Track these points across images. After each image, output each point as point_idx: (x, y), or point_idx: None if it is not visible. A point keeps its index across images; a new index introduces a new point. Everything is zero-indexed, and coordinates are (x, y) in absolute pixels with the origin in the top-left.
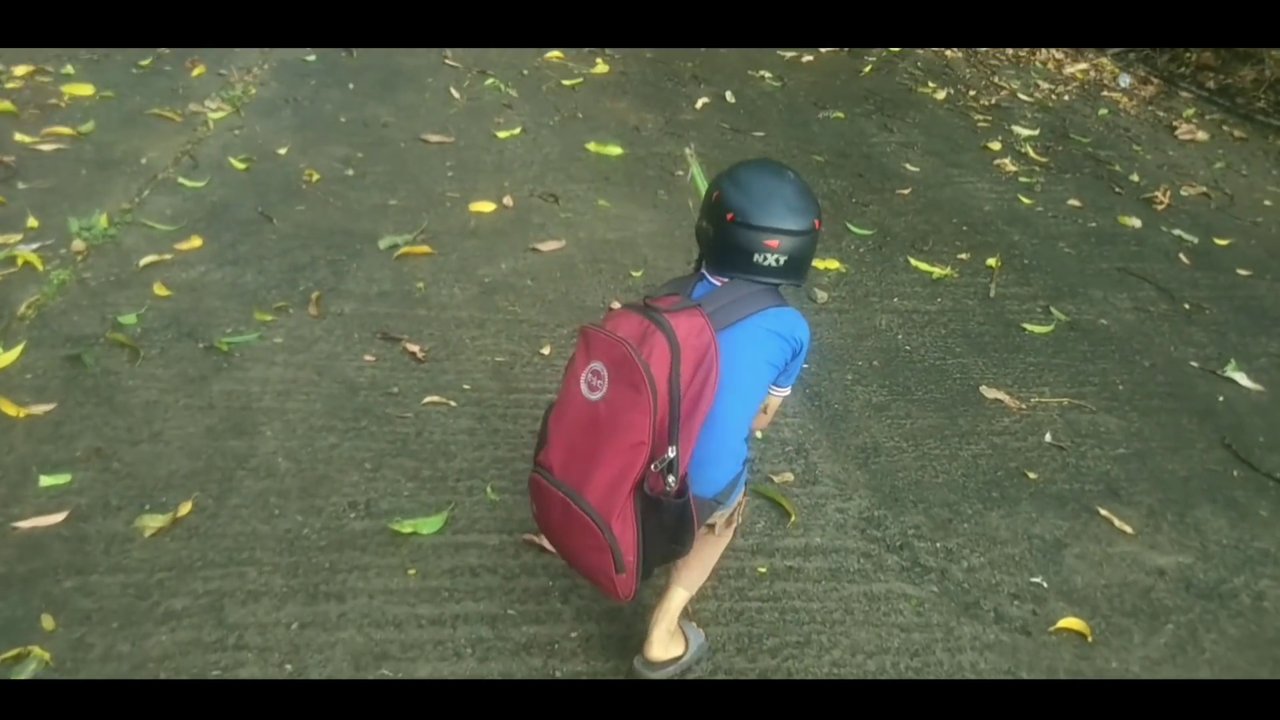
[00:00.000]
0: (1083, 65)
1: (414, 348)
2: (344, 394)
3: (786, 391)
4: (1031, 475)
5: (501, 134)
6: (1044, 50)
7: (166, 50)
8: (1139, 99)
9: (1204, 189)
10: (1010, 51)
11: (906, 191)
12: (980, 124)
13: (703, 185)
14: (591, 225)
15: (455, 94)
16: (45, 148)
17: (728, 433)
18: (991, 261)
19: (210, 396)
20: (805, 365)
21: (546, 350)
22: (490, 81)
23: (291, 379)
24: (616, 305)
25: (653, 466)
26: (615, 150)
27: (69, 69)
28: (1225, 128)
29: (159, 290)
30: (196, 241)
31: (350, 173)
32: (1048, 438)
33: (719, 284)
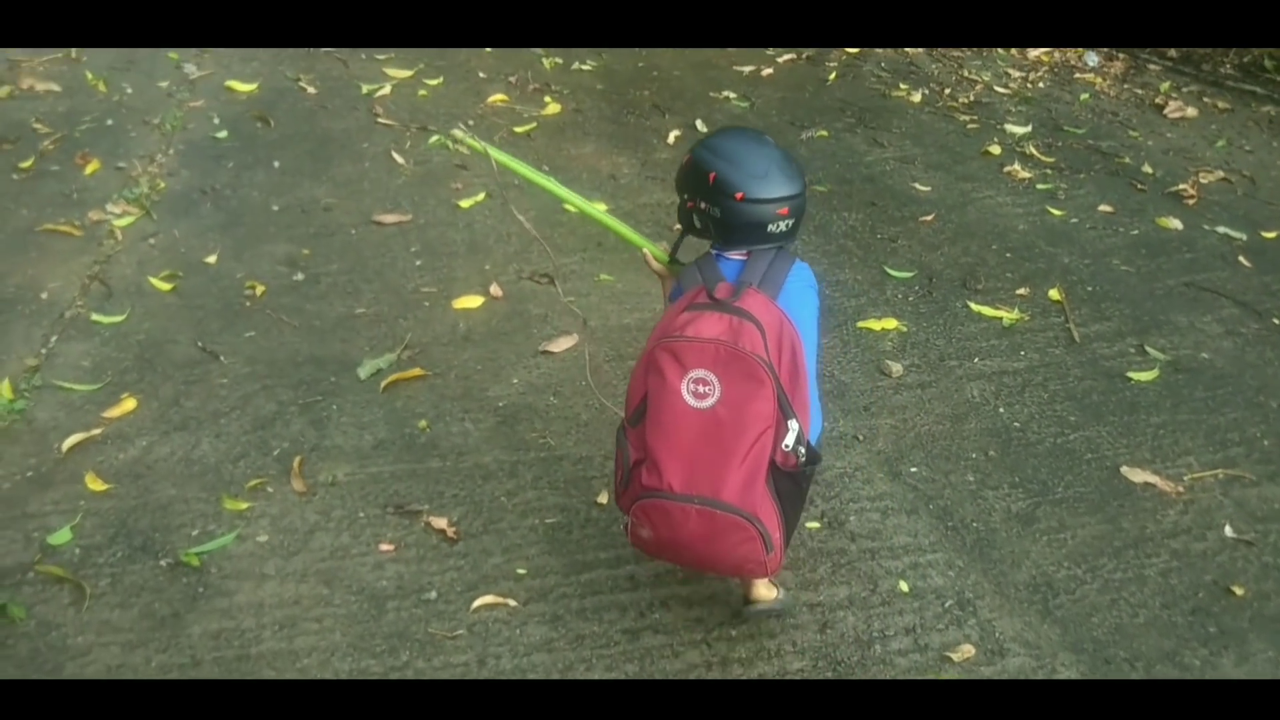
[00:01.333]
0: (1045, 49)
1: (440, 522)
2: (367, 612)
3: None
4: (1238, 591)
5: (464, 203)
6: None
7: (49, 145)
8: (1111, 77)
9: (1221, 174)
10: None
11: (929, 218)
12: (969, 126)
13: (509, 160)
14: (601, 308)
15: (399, 159)
16: None
17: (811, 388)
18: (1054, 294)
19: (191, 647)
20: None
21: (603, 498)
22: (435, 139)
23: (293, 599)
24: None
25: (784, 446)
26: (598, 207)
27: None
28: (1206, 99)
29: (93, 484)
30: (129, 404)
31: (300, 277)
32: (1228, 531)
33: (739, 258)
